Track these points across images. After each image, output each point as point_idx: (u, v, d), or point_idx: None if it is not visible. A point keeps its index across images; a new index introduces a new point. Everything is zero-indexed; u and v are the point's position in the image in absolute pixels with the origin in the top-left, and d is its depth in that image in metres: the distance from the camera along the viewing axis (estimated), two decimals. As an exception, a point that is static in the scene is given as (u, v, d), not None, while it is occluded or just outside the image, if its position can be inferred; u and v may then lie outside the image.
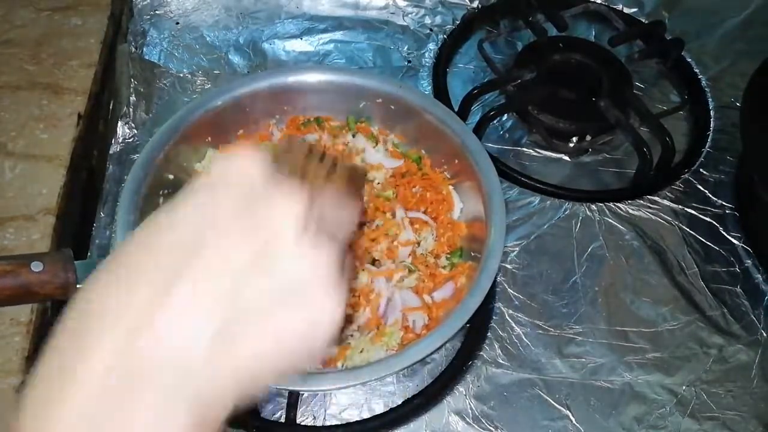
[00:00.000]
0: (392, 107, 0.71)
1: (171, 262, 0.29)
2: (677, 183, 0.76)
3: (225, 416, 0.29)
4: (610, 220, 0.73)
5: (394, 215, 0.66)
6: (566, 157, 0.78)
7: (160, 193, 0.65)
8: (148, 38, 0.85)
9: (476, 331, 0.65)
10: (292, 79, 0.71)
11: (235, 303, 0.29)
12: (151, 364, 0.27)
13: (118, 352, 0.27)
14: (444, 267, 0.65)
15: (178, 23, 0.86)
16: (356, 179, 0.38)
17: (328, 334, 0.31)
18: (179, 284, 0.28)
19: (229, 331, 0.28)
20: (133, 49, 0.82)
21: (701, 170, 0.77)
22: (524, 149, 0.79)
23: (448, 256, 0.66)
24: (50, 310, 0.62)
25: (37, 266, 0.50)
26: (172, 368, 0.27)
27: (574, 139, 0.79)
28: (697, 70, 0.86)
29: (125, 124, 0.76)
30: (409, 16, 0.89)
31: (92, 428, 0.26)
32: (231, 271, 0.29)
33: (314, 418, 0.60)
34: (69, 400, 0.26)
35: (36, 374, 0.28)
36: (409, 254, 0.65)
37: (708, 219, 0.74)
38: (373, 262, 0.65)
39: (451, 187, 0.69)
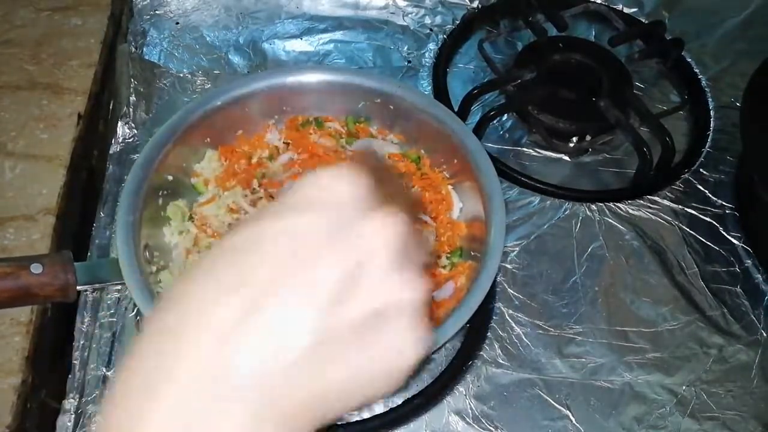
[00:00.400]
0: (392, 107, 0.71)
1: (262, 278, 0.28)
2: (677, 183, 0.76)
3: None
4: (610, 220, 0.73)
5: None
6: (566, 157, 0.78)
7: (160, 193, 0.65)
8: (148, 38, 0.85)
9: (476, 331, 0.65)
10: (292, 79, 0.71)
11: (326, 324, 0.27)
12: (241, 378, 0.26)
13: (210, 360, 0.26)
14: (444, 267, 0.65)
15: (178, 23, 0.86)
16: (417, 202, 0.36)
17: (410, 366, 0.29)
18: (270, 301, 0.27)
19: (317, 352, 0.27)
20: (133, 49, 0.82)
21: (701, 170, 0.77)
22: (524, 149, 0.79)
23: (448, 255, 0.66)
24: (50, 311, 0.62)
25: (36, 268, 0.50)
26: (260, 386, 0.26)
27: (574, 139, 0.79)
28: (697, 70, 0.86)
29: (125, 124, 0.76)
30: (409, 16, 0.89)
31: (184, 430, 0.26)
32: (323, 291, 0.28)
33: (314, 418, 0.60)
34: (163, 399, 0.26)
35: (128, 368, 0.27)
36: None
37: (708, 219, 0.74)
38: None
39: (450, 187, 0.69)
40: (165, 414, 0.26)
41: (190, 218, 0.66)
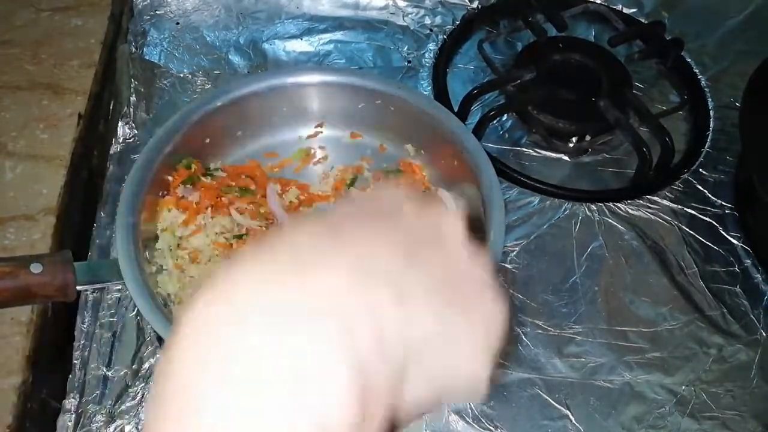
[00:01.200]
0: (392, 108, 0.71)
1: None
2: (677, 183, 0.76)
3: None
4: (609, 220, 0.73)
5: None
6: (566, 157, 0.78)
7: (160, 193, 0.65)
8: (148, 38, 0.85)
9: (476, 331, 0.65)
10: (292, 79, 0.71)
11: (408, 334, 0.26)
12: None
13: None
14: None
15: (178, 23, 0.86)
16: None
17: (480, 388, 0.29)
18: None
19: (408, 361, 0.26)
20: (133, 49, 0.82)
21: (701, 170, 0.77)
22: (524, 149, 0.79)
23: None
24: (51, 311, 0.62)
25: (36, 267, 0.50)
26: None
27: (574, 139, 0.79)
28: (696, 70, 0.86)
29: (125, 124, 0.76)
30: (409, 16, 0.89)
31: None
32: (429, 287, 0.27)
33: (314, 417, 0.60)
34: (197, 420, 0.22)
35: (163, 386, 0.24)
36: None
37: (708, 219, 0.74)
38: None
39: (442, 190, 0.69)
40: None
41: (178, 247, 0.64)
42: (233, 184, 0.68)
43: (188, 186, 0.66)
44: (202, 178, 0.67)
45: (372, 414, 0.24)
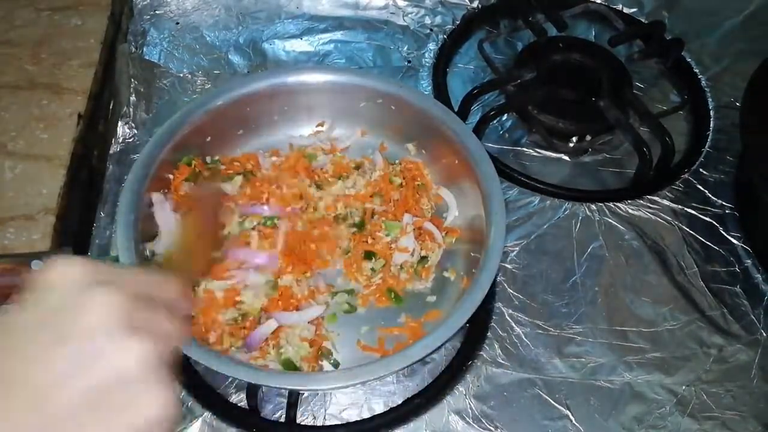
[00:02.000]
0: (393, 107, 0.71)
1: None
2: (677, 183, 0.76)
3: None
4: (609, 220, 0.73)
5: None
6: (566, 157, 0.78)
7: (160, 192, 0.65)
8: (148, 38, 0.85)
9: (476, 331, 0.65)
10: (292, 79, 0.71)
11: (45, 411, 0.29)
12: None
13: None
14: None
15: (178, 23, 0.86)
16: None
17: (163, 429, 0.31)
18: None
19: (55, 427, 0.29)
20: (133, 49, 0.82)
21: (701, 170, 0.77)
22: (524, 149, 0.79)
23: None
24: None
25: (37, 265, 0.51)
26: None
27: (574, 139, 0.79)
28: (697, 70, 0.86)
29: (125, 124, 0.76)
30: (409, 16, 0.89)
31: None
32: (42, 378, 0.29)
33: (314, 417, 0.60)
34: None
35: None
36: (403, 263, 0.66)
37: (708, 219, 0.74)
38: (369, 255, 0.65)
39: (444, 188, 0.69)
40: None
41: None
42: (231, 172, 0.69)
43: (190, 182, 0.66)
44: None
45: None
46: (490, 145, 0.77)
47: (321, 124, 0.74)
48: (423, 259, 0.66)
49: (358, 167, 0.71)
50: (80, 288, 0.31)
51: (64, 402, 0.29)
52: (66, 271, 0.32)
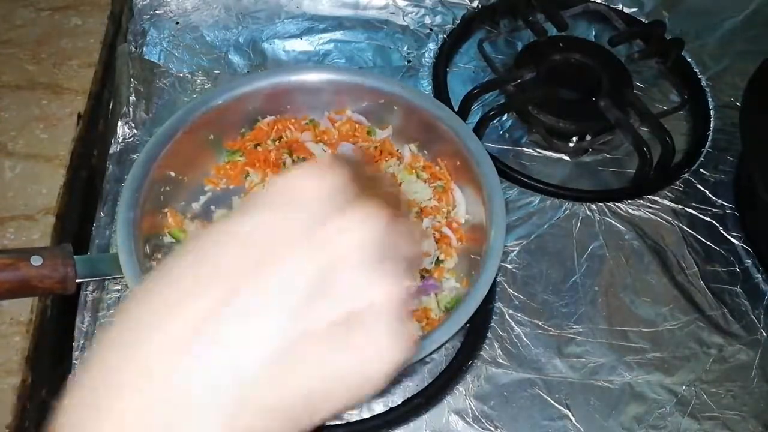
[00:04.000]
0: (395, 107, 0.71)
1: (230, 276, 0.27)
2: (677, 183, 0.76)
3: None
4: (610, 220, 0.73)
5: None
6: (566, 157, 0.78)
7: (161, 191, 0.65)
8: (148, 38, 0.85)
9: (476, 331, 0.65)
10: (293, 78, 0.71)
11: (297, 324, 0.27)
12: (214, 378, 0.25)
13: (169, 362, 0.25)
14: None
15: (178, 23, 0.86)
16: (403, 201, 0.34)
17: (386, 374, 0.28)
18: (239, 300, 0.26)
19: (289, 352, 0.26)
20: (133, 49, 0.82)
21: (701, 170, 0.77)
22: (524, 149, 0.79)
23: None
24: (50, 310, 0.62)
25: (36, 260, 0.50)
26: (233, 386, 0.25)
27: (574, 139, 0.79)
28: (697, 70, 0.86)
29: (125, 124, 0.76)
30: (409, 15, 0.89)
31: None
32: (294, 291, 0.27)
33: (314, 417, 0.60)
34: (113, 416, 0.25)
35: (79, 384, 0.26)
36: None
37: (708, 219, 0.74)
38: None
39: (456, 188, 0.69)
40: (113, 430, 0.25)
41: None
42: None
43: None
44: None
45: None
46: (490, 145, 0.77)
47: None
48: (438, 262, 0.66)
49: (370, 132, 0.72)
50: (333, 202, 0.29)
51: (302, 319, 0.27)
52: (311, 182, 0.29)
